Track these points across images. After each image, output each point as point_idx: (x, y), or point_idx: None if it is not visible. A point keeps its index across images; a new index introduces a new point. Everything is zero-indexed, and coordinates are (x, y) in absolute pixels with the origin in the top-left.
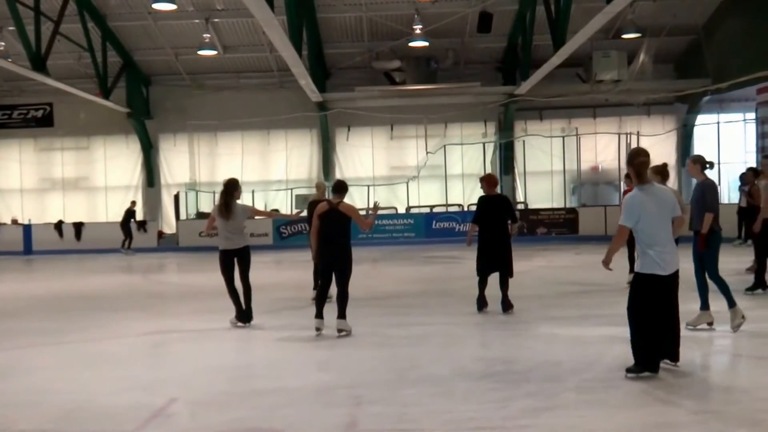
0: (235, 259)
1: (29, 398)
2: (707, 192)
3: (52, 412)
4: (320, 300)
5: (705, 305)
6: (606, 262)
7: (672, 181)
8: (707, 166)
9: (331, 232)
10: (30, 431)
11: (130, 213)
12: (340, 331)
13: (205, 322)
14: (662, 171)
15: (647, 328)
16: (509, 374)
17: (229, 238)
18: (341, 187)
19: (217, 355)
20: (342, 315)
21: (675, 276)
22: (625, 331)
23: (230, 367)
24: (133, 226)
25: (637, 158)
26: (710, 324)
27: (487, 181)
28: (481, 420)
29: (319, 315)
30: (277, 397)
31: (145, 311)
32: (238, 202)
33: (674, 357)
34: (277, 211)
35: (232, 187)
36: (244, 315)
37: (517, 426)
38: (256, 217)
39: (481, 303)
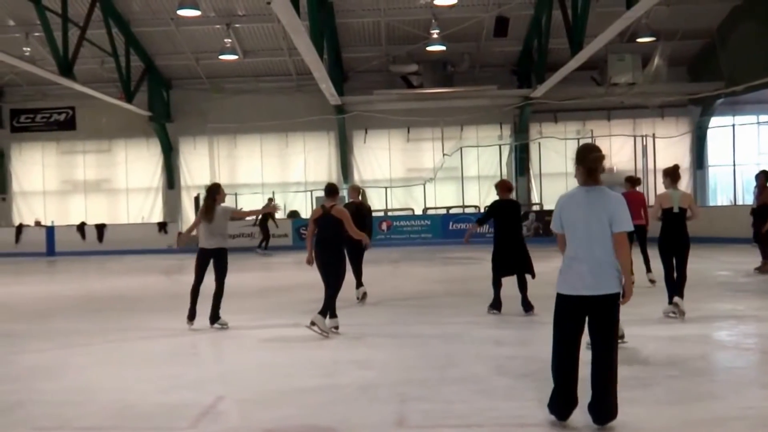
0: (212, 261)
1: (80, 397)
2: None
3: (105, 410)
4: (329, 306)
5: None
6: None
7: (685, 184)
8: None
9: (326, 237)
10: (87, 428)
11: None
12: (312, 324)
13: (236, 322)
14: (672, 173)
15: (558, 354)
16: (546, 372)
17: (209, 238)
18: (332, 191)
19: (256, 354)
20: (323, 312)
21: (591, 301)
22: (654, 330)
23: (271, 365)
24: (271, 225)
25: (592, 153)
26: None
27: (501, 186)
28: (527, 417)
29: (333, 315)
30: (323, 395)
31: (175, 311)
32: (223, 206)
33: (562, 412)
34: (271, 204)
35: (214, 191)
36: (210, 318)
37: (563, 423)
38: (247, 218)
39: (497, 304)
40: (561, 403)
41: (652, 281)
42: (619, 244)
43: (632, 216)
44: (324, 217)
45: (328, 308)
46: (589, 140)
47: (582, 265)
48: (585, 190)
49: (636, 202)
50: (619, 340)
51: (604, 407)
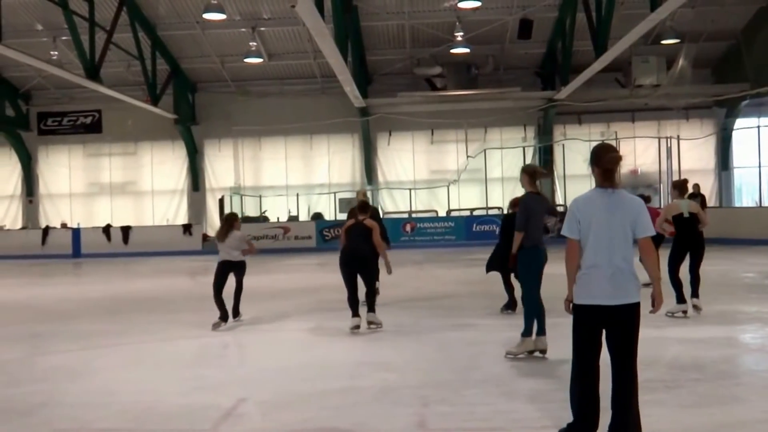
0: (232, 272)
1: (101, 399)
2: (520, 207)
3: (125, 412)
4: (353, 303)
5: (528, 331)
6: (567, 300)
7: (710, 187)
8: (538, 176)
9: (357, 242)
10: (106, 430)
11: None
12: (370, 323)
13: (258, 324)
14: (681, 186)
15: (577, 373)
16: (569, 375)
17: (227, 252)
18: (365, 207)
19: (278, 356)
20: (371, 309)
21: (610, 312)
22: (678, 332)
23: (293, 367)
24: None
25: (608, 154)
26: (531, 352)
27: (511, 204)
28: (548, 419)
29: (356, 314)
30: (344, 397)
31: (198, 313)
32: (239, 232)
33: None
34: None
35: (231, 220)
36: (233, 312)
37: None
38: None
39: (512, 305)
40: (580, 419)
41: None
42: (645, 250)
43: None
44: (356, 225)
45: (372, 302)
46: (613, 142)
47: (602, 273)
48: (602, 193)
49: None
50: (539, 354)
51: (625, 429)
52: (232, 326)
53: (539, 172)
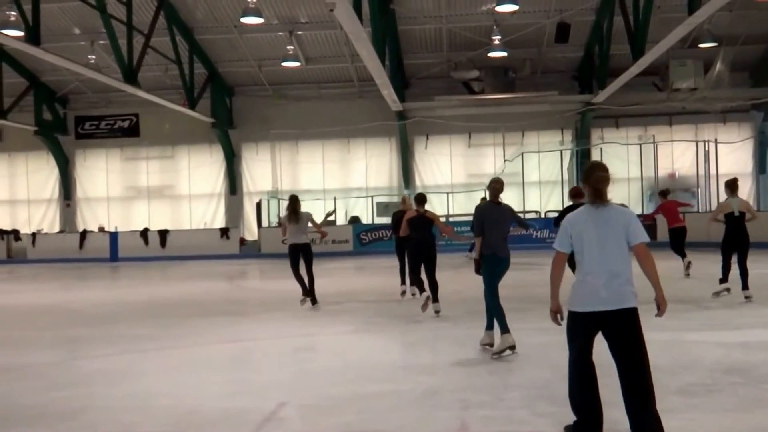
0: (301, 254)
1: (142, 402)
2: (474, 214)
3: (166, 416)
4: (419, 282)
5: (504, 329)
6: (553, 310)
7: (748, 190)
8: (498, 188)
9: (422, 233)
10: None
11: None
12: (437, 312)
13: (297, 328)
14: (732, 185)
15: (574, 374)
16: (610, 378)
17: (297, 236)
18: (423, 199)
19: (317, 359)
20: (435, 300)
21: (607, 318)
22: (721, 336)
23: (332, 370)
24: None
25: (596, 173)
26: (512, 348)
27: (571, 192)
28: None
29: (423, 290)
30: (384, 401)
31: (236, 317)
32: (305, 212)
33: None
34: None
35: (295, 201)
36: (311, 298)
37: (628, 429)
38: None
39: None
40: (582, 421)
41: (688, 266)
42: (642, 256)
43: (672, 220)
44: (418, 217)
45: (436, 293)
46: (650, 145)
47: (596, 280)
48: (594, 208)
49: (672, 209)
50: (510, 351)
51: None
52: (271, 332)
53: (500, 184)
